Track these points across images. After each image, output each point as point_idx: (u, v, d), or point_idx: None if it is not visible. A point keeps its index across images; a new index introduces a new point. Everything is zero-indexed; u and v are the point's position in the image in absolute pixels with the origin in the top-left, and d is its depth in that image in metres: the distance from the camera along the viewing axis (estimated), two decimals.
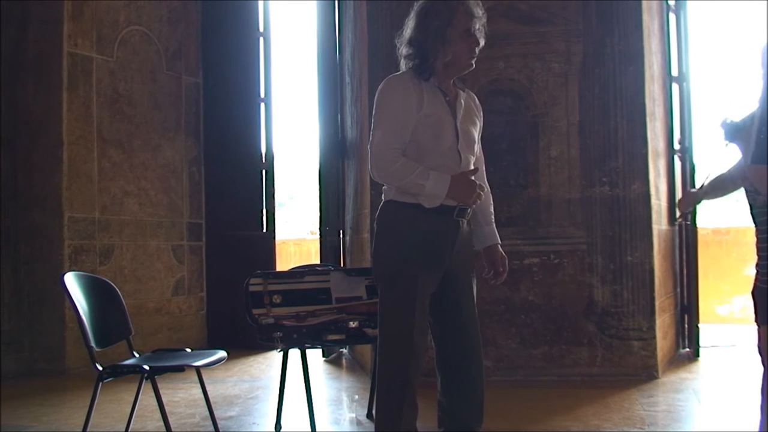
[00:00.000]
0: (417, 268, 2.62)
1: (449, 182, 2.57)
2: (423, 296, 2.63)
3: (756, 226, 2.57)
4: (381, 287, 2.70)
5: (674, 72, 5.62)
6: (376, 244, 2.74)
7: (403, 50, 2.70)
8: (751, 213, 2.59)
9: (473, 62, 2.69)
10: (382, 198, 2.75)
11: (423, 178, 2.56)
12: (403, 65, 2.72)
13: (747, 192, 2.60)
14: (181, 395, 4.59)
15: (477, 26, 2.65)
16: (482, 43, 2.68)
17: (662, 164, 5.32)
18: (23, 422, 4.08)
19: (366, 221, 5.02)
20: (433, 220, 2.64)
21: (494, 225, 2.91)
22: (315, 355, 5.72)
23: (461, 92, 2.76)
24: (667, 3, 5.54)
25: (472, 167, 2.71)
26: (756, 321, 2.58)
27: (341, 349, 6.02)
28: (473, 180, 2.63)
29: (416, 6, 2.69)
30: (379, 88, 2.69)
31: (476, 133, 2.81)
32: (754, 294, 2.58)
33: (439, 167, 2.61)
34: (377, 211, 2.77)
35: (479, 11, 2.66)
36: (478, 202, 2.69)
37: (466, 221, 2.73)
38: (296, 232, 12.04)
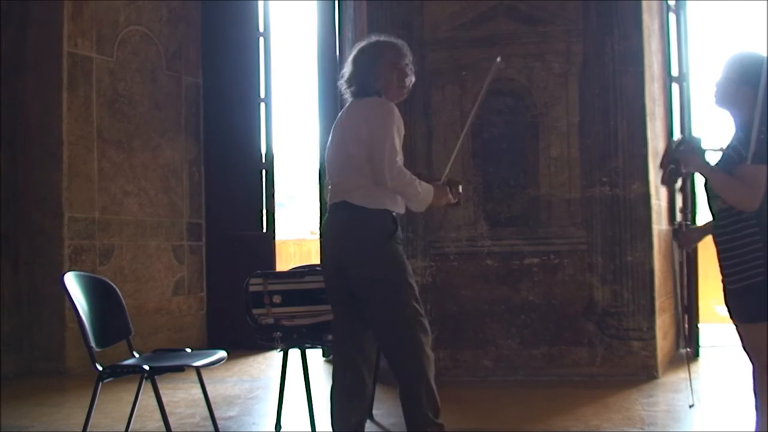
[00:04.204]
0: None
1: (433, 191, 3.01)
2: None
3: (714, 230, 2.61)
4: (393, 288, 2.93)
5: (674, 72, 5.62)
6: (379, 252, 2.94)
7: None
8: (713, 218, 2.64)
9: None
10: (363, 205, 2.94)
11: (419, 185, 2.96)
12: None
13: (708, 197, 2.63)
14: (181, 395, 4.59)
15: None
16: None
17: None
18: (23, 422, 4.08)
19: None
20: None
21: None
22: (315, 355, 5.72)
23: None
24: (667, 3, 5.54)
25: None
26: (732, 320, 2.62)
27: None
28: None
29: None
30: (386, 108, 2.99)
31: None
32: (725, 295, 2.63)
33: None
34: (365, 218, 2.94)
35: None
36: None
37: None
38: (296, 232, 12.01)
